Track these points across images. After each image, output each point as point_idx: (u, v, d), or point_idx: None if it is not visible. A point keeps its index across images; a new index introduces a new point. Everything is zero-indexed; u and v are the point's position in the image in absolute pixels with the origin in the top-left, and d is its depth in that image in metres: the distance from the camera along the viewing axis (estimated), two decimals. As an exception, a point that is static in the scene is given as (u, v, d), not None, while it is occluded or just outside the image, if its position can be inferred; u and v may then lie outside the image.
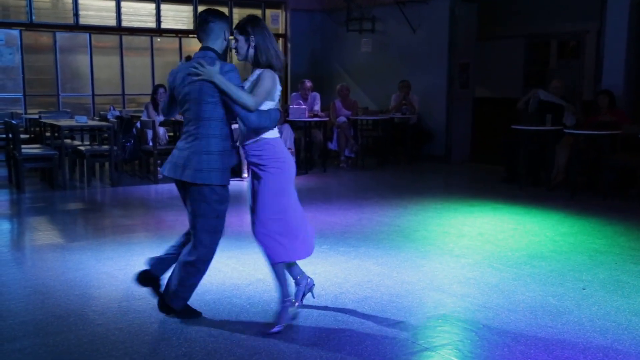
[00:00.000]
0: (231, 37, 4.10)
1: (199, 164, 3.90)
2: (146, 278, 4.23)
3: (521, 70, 13.39)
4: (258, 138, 4.00)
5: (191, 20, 13.75)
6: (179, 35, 13.82)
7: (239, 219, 7.50)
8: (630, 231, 6.70)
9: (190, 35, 13.92)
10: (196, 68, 3.86)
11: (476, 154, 12.32)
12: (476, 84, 12.62)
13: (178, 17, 13.85)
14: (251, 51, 4.00)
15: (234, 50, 4.08)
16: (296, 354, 3.74)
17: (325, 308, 4.46)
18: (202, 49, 4.05)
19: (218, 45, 4.04)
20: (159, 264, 4.24)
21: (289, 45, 14.55)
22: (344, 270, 5.34)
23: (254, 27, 4.00)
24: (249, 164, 4.08)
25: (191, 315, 4.26)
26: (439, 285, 4.97)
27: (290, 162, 4.11)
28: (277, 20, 14.64)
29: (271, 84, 3.96)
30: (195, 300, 4.60)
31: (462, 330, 4.12)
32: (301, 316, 4.31)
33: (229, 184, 4.04)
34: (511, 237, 6.54)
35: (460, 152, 12.22)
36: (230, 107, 3.90)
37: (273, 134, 4.06)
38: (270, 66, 3.99)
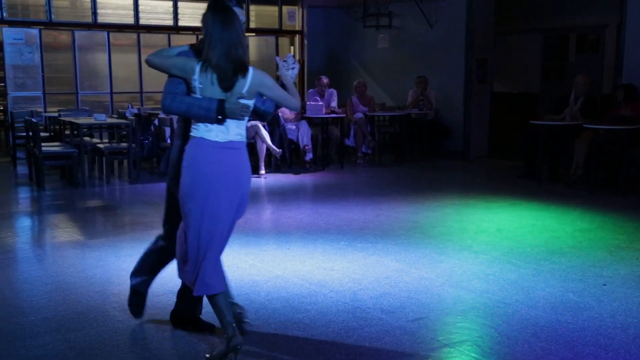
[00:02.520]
0: None
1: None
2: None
3: (539, 65, 13.31)
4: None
5: (208, 17, 13.77)
6: (196, 32, 13.85)
7: (257, 216, 7.52)
8: (651, 227, 6.64)
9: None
10: None
11: (494, 149, 12.25)
12: (494, 79, 12.54)
13: (195, 14, 13.87)
14: None
15: None
16: (315, 350, 3.75)
17: (344, 304, 4.46)
18: None
19: None
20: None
21: (305, 42, 14.54)
22: (362, 267, 5.33)
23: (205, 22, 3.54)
24: None
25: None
26: (457, 282, 4.95)
27: (194, 167, 3.52)
28: (293, 17, 14.63)
29: (172, 61, 3.63)
30: (214, 296, 4.63)
31: (481, 327, 4.10)
32: (319, 313, 4.31)
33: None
34: (530, 232, 6.49)
35: (478, 147, 12.14)
36: None
37: (197, 130, 3.55)
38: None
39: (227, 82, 3.49)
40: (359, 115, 11.39)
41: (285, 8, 14.53)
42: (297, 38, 14.77)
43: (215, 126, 3.50)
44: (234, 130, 3.55)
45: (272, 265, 5.38)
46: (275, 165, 10.40)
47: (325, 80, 11.35)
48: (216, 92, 3.49)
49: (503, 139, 12.08)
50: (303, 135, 10.46)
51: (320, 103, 10.87)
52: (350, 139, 11.51)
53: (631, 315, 4.23)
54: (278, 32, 14.59)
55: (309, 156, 10.51)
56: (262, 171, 9.95)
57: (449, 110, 12.11)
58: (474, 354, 3.70)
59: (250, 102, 3.58)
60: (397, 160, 11.50)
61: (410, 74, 12.25)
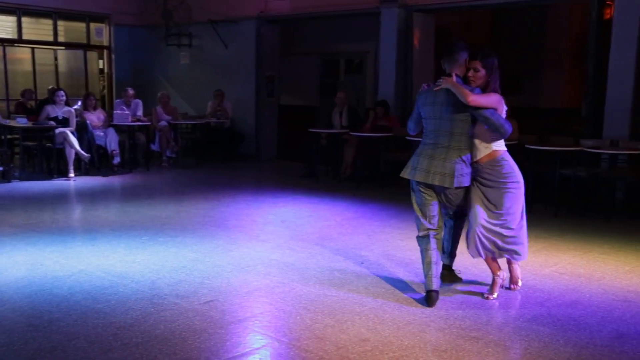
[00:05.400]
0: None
1: (457, 171, 4.13)
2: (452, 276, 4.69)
3: (317, 82, 13.84)
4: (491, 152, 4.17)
5: (15, 30, 12.59)
6: (5, 44, 12.61)
7: (65, 217, 7.05)
8: (400, 214, 7.17)
9: (15, 45, 12.75)
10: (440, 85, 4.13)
11: (282, 152, 12.55)
12: (281, 93, 12.84)
13: (2, 27, 12.64)
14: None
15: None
16: (113, 335, 3.59)
17: (143, 292, 4.32)
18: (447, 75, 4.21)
19: (460, 72, 4.18)
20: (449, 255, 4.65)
21: (113, 56, 13.83)
22: (161, 258, 5.20)
23: (496, 66, 4.15)
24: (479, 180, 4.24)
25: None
26: (245, 267, 5.00)
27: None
28: (101, 33, 13.83)
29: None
30: (15, 294, 4.28)
31: (262, 304, 4.18)
32: (119, 302, 4.14)
33: None
34: (307, 222, 6.74)
35: (268, 151, 12.39)
36: (477, 121, 4.12)
37: (503, 145, 4.23)
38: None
39: None
40: (164, 123, 11.08)
41: (93, 25, 13.69)
42: (105, 52, 14.00)
43: None
44: None
45: (76, 261, 5.07)
46: (84, 168, 9.78)
47: (131, 91, 10.94)
48: None
49: (289, 143, 12.41)
50: (111, 141, 9.96)
51: (127, 112, 10.43)
52: (156, 144, 11.16)
53: (380, 286, 4.55)
54: (86, 47, 13.73)
55: (116, 160, 10.03)
56: (71, 174, 9.30)
57: (243, 119, 12.21)
58: (256, 328, 3.77)
59: None
60: (197, 163, 11.35)
61: (209, 87, 12.15)
